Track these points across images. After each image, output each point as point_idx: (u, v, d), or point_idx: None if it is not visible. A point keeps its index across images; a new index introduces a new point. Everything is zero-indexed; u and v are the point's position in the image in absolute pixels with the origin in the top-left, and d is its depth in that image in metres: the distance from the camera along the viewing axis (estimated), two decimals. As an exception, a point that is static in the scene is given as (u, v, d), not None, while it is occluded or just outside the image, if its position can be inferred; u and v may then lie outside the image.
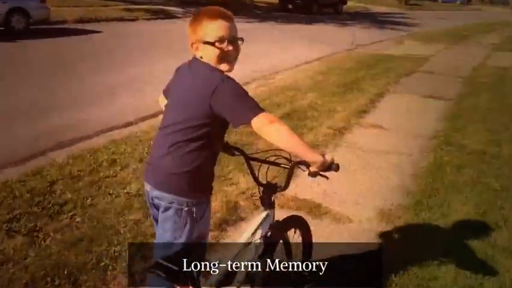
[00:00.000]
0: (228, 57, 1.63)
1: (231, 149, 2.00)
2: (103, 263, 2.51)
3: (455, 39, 16.73)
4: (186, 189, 1.63)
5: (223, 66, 1.63)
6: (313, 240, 2.38)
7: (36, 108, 5.37)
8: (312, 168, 1.63)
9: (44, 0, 11.23)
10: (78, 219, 2.92)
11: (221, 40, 1.60)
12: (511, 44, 16.60)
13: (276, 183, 1.92)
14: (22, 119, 4.99)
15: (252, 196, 3.48)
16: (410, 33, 17.92)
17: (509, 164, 4.50)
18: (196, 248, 1.71)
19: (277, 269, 2.04)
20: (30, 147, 4.24)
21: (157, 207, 1.72)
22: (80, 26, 12.54)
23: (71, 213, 2.99)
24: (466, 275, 2.65)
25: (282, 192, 2.40)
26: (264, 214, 1.95)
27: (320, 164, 1.60)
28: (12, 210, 2.96)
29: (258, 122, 1.47)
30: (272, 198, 1.96)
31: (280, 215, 2.14)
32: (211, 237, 2.72)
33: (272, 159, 1.89)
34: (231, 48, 1.62)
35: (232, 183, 3.66)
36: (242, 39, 1.67)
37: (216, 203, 3.22)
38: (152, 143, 1.81)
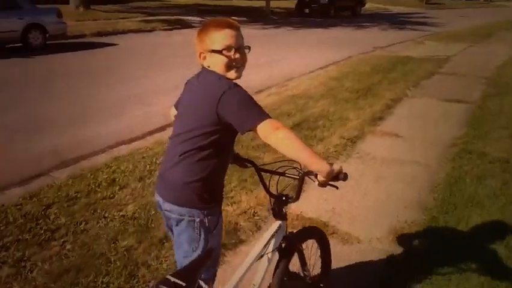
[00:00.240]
0: (235, 65, 1.65)
1: (242, 161, 2.04)
2: (88, 296, 2.38)
3: (478, 37, 16.12)
4: (196, 200, 1.63)
5: (231, 74, 1.64)
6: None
7: (44, 124, 5.36)
8: (320, 178, 1.60)
9: (60, 15, 11.42)
10: (68, 246, 2.80)
11: (228, 48, 1.62)
12: (539, 40, 15.89)
13: (287, 194, 1.91)
14: (28, 135, 4.98)
15: (253, 216, 3.30)
16: (431, 33, 17.40)
17: (536, 173, 4.17)
18: (211, 257, 1.70)
19: (293, 281, 2.05)
20: (34, 166, 4.19)
21: (168, 218, 1.73)
22: (97, 40, 12.70)
23: (62, 240, 2.87)
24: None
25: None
26: (276, 225, 1.93)
27: (327, 173, 1.55)
28: (2, 238, 2.86)
29: (264, 129, 1.48)
30: (284, 209, 1.94)
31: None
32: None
33: (282, 170, 1.89)
34: (238, 56, 1.64)
35: (234, 202, 3.48)
36: (249, 48, 1.70)
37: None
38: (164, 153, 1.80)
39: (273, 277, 1.95)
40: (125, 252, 2.73)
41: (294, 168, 1.85)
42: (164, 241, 2.85)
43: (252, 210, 3.36)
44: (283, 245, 1.94)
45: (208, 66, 1.67)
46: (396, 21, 22.95)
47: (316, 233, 2.32)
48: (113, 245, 2.81)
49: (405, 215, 3.42)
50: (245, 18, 19.68)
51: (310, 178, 1.72)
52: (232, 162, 2.00)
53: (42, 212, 3.21)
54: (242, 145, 4.61)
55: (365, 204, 3.61)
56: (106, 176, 3.86)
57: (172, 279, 1.40)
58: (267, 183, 1.96)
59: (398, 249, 2.98)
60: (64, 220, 3.10)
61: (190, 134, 1.60)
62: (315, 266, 2.27)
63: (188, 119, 1.65)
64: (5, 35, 10.08)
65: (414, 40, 15.15)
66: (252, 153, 4.39)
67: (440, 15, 28.53)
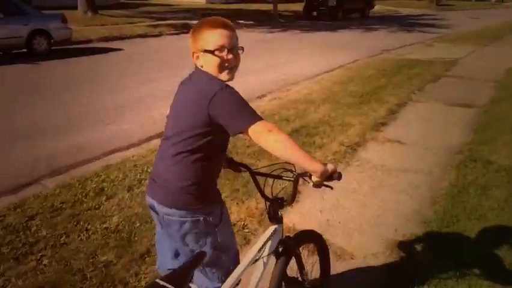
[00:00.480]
0: (228, 66, 1.62)
1: (236, 165, 2.02)
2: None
3: (488, 39, 15.77)
4: (195, 202, 1.62)
5: (223, 76, 1.62)
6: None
7: (40, 130, 5.30)
8: (314, 178, 1.60)
9: (65, 21, 11.41)
10: (46, 261, 2.68)
11: (221, 49, 1.59)
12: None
13: (282, 197, 1.90)
14: (23, 141, 4.93)
15: (243, 229, 3.16)
16: (441, 35, 17.10)
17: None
18: (202, 260, 1.69)
19: (291, 286, 2.02)
20: (27, 173, 4.13)
21: (166, 223, 1.68)
22: (103, 45, 12.68)
23: (40, 254, 2.75)
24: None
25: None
26: (272, 229, 1.90)
27: (321, 172, 1.55)
28: (-21, 252, 2.77)
29: (256, 131, 1.46)
30: (279, 213, 1.92)
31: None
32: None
33: (277, 172, 1.89)
34: (230, 57, 1.61)
35: (223, 213, 3.33)
36: (242, 48, 1.67)
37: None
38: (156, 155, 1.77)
39: (270, 282, 1.89)
40: (103, 268, 2.60)
41: (289, 170, 1.82)
42: (146, 256, 2.73)
43: (242, 223, 3.22)
44: (280, 248, 1.91)
45: (201, 66, 1.64)
46: (405, 23, 22.65)
47: (315, 236, 2.27)
48: (91, 260, 2.68)
49: (404, 228, 3.24)
50: (252, 22, 19.59)
51: (304, 179, 1.71)
52: (227, 166, 1.99)
53: (24, 224, 3.11)
54: (238, 151, 4.48)
55: (361, 216, 3.44)
56: (94, 186, 3.75)
57: (162, 283, 1.37)
58: (262, 187, 1.94)
59: (393, 266, 2.80)
60: (45, 232, 2.99)
61: (182, 136, 1.58)
62: (314, 271, 2.19)
63: (180, 120, 1.62)
64: (10, 41, 10.09)
65: (423, 42, 14.90)
66: (248, 160, 4.24)
67: (451, 16, 28.12)
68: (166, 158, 1.64)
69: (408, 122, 5.93)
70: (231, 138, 1.67)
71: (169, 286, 1.35)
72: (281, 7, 24.44)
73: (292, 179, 1.80)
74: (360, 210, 3.53)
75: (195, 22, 1.94)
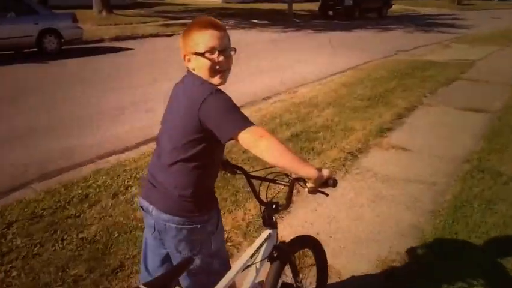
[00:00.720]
0: (219, 69, 1.56)
1: (231, 167, 1.99)
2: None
3: (508, 40, 15.23)
4: (194, 210, 1.60)
5: (215, 80, 1.57)
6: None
7: (36, 131, 5.23)
8: (309, 184, 1.56)
9: (76, 20, 11.43)
10: (14, 273, 2.57)
11: (211, 51, 1.54)
12: None
13: (277, 202, 1.85)
14: (17, 143, 4.87)
15: (227, 242, 3.00)
16: (459, 36, 16.59)
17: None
18: (189, 266, 1.64)
19: None
20: (17, 176, 4.06)
21: (162, 228, 1.64)
22: (115, 44, 12.68)
23: (10, 265, 2.64)
24: None
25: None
26: (266, 233, 1.83)
27: (316, 178, 1.49)
28: (-52, 261, 2.67)
29: (246, 137, 1.41)
30: (274, 217, 1.87)
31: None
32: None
33: (273, 176, 1.85)
34: (222, 59, 1.56)
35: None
36: (235, 49, 1.61)
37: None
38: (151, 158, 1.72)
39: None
40: (71, 284, 2.48)
41: (285, 174, 1.80)
42: (118, 271, 2.59)
43: (226, 235, 3.05)
44: (274, 254, 1.85)
45: (193, 70, 1.59)
46: (423, 23, 22.11)
47: (311, 242, 2.20)
48: (61, 273, 2.56)
49: (399, 245, 3.03)
50: (267, 21, 19.41)
51: (300, 185, 1.68)
52: (222, 169, 1.95)
53: (1, 232, 3.01)
54: (232, 157, 4.32)
55: (355, 230, 3.24)
56: (80, 191, 3.64)
57: None
58: (258, 191, 1.90)
59: (380, 285, 2.60)
60: (20, 242, 2.88)
61: (177, 143, 1.54)
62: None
63: (171, 124, 1.60)
64: (20, 40, 10.15)
65: (441, 43, 14.47)
66: (243, 166, 4.07)
67: (471, 16, 27.37)
68: (163, 165, 1.60)
69: (416, 127, 5.67)
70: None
71: None
72: (296, 6, 24.18)
73: (288, 183, 1.76)
74: (354, 224, 3.33)
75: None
